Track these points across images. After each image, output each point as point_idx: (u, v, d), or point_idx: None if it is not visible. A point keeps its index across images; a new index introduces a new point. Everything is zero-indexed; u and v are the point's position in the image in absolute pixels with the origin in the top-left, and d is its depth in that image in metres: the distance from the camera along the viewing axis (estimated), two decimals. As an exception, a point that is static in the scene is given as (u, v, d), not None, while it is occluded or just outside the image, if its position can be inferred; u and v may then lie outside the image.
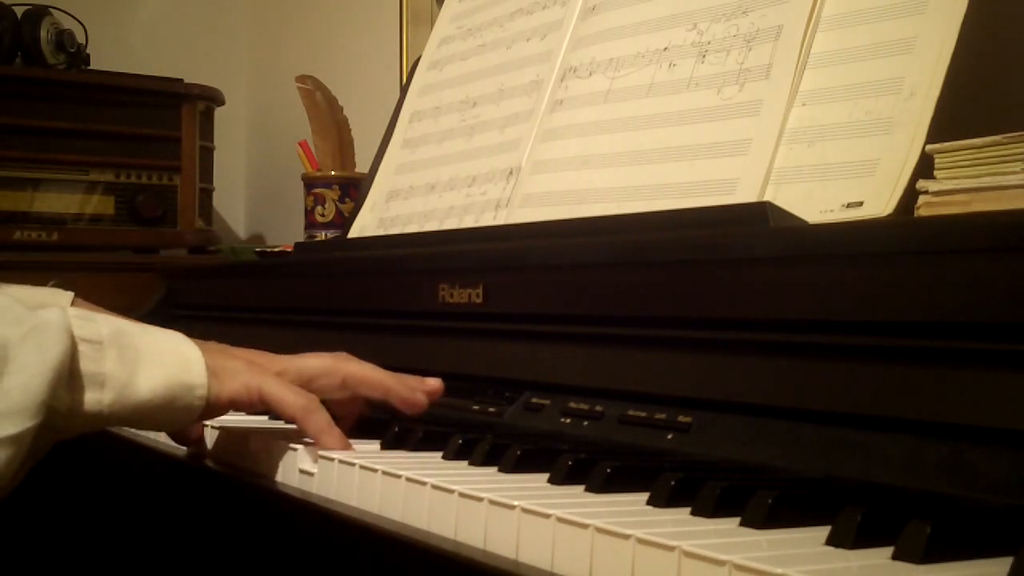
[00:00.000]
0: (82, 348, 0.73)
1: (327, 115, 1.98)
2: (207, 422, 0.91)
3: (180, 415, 0.78)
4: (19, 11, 2.28)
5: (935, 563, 0.48)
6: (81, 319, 0.74)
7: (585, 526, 0.54)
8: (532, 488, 0.66)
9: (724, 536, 0.53)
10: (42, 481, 0.74)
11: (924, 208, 0.77)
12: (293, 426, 0.84)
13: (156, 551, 1.08)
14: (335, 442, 0.81)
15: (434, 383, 0.89)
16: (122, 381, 0.75)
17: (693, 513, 0.58)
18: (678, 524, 0.56)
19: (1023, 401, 0.57)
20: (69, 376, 0.72)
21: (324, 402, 0.84)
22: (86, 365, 0.73)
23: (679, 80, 1.02)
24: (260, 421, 0.96)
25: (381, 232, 1.36)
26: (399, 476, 0.69)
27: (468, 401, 0.96)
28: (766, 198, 0.88)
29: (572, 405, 0.85)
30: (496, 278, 0.96)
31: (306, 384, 0.85)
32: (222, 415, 0.85)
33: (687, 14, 1.04)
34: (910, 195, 0.79)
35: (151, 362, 0.76)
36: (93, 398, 0.73)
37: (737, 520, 0.56)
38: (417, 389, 0.88)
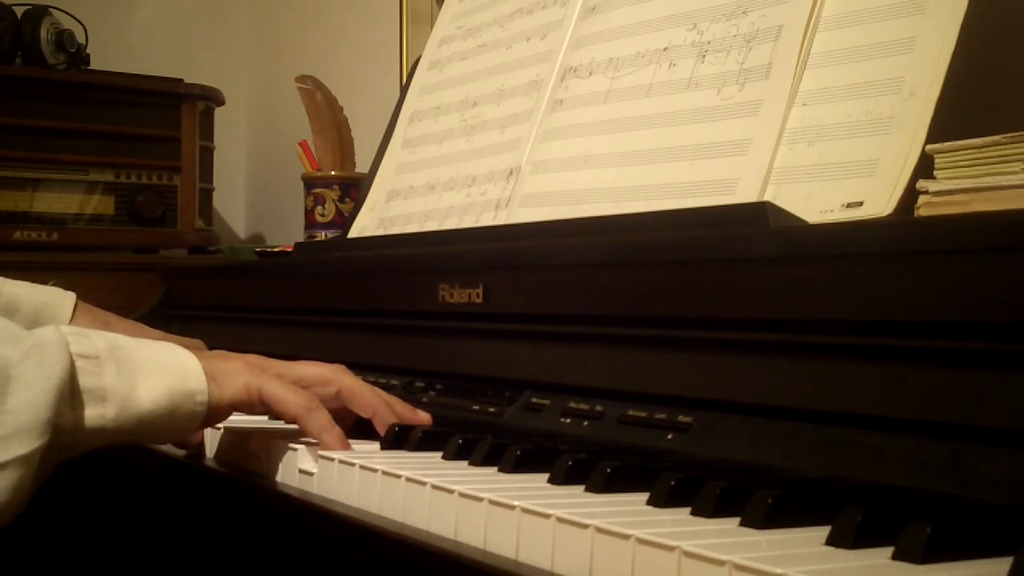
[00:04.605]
0: (80, 364, 0.73)
1: (327, 115, 1.98)
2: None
3: (184, 423, 0.78)
4: (19, 11, 2.28)
5: (935, 563, 0.48)
6: (76, 335, 0.74)
7: (585, 526, 0.54)
8: (532, 488, 0.66)
9: (724, 536, 0.53)
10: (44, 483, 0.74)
11: (924, 208, 0.77)
12: (294, 426, 0.84)
13: (157, 551, 1.08)
14: (336, 441, 0.81)
15: (423, 417, 0.89)
16: (123, 394, 0.74)
17: (693, 513, 0.58)
18: (678, 524, 0.56)
19: (1023, 401, 0.57)
20: (70, 393, 0.71)
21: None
22: (86, 380, 0.73)
23: (679, 80, 1.02)
24: (260, 421, 0.96)
25: (381, 232, 1.36)
26: (399, 476, 0.69)
27: (468, 401, 0.96)
28: (766, 198, 0.88)
29: (572, 405, 0.85)
30: (496, 278, 0.96)
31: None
32: (225, 419, 0.85)
33: (687, 14, 1.04)
34: (910, 195, 0.79)
35: (149, 373, 0.76)
36: (96, 413, 0.73)
37: (737, 520, 0.56)
38: (404, 419, 0.88)
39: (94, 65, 2.39)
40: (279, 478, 0.82)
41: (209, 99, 2.40)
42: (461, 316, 0.99)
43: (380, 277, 1.16)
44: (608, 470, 0.65)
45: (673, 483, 0.60)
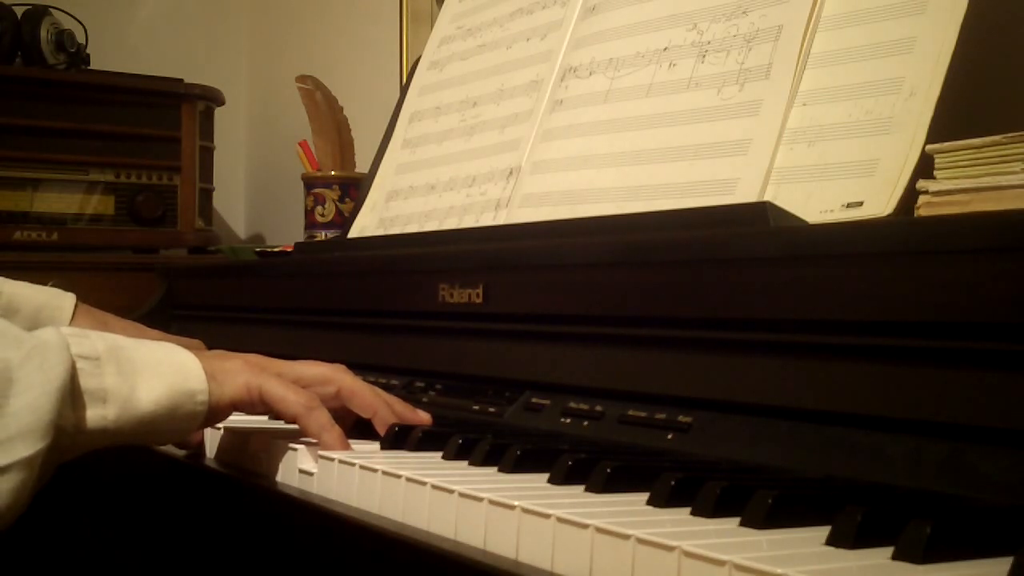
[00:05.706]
0: (81, 365, 0.73)
1: (327, 115, 1.98)
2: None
3: (184, 423, 0.78)
4: (19, 11, 2.28)
5: (935, 563, 0.48)
6: (76, 336, 0.74)
7: (585, 526, 0.54)
8: (532, 488, 0.66)
9: (724, 536, 0.53)
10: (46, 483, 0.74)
11: (924, 208, 0.77)
12: (294, 426, 0.84)
13: (157, 551, 1.08)
14: (336, 440, 0.81)
15: (423, 417, 0.89)
16: (124, 395, 0.74)
17: (693, 513, 0.58)
18: (678, 524, 0.56)
19: (1023, 401, 0.57)
20: (71, 394, 0.71)
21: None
22: (87, 382, 0.73)
23: (679, 80, 1.02)
24: (260, 421, 0.96)
25: (381, 232, 1.36)
26: (399, 476, 0.69)
27: (468, 401, 0.96)
28: (766, 198, 0.88)
29: (572, 405, 0.85)
30: (496, 278, 0.96)
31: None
32: (225, 419, 0.85)
33: (687, 14, 1.04)
34: (910, 195, 0.79)
35: (150, 373, 0.76)
36: (97, 414, 0.73)
37: (737, 520, 0.56)
38: (404, 419, 0.88)
39: (94, 65, 2.38)
40: (279, 478, 0.82)
41: (209, 99, 2.40)
42: (461, 316, 0.99)
43: (380, 277, 1.16)
44: (608, 470, 0.65)
45: (673, 483, 0.60)
